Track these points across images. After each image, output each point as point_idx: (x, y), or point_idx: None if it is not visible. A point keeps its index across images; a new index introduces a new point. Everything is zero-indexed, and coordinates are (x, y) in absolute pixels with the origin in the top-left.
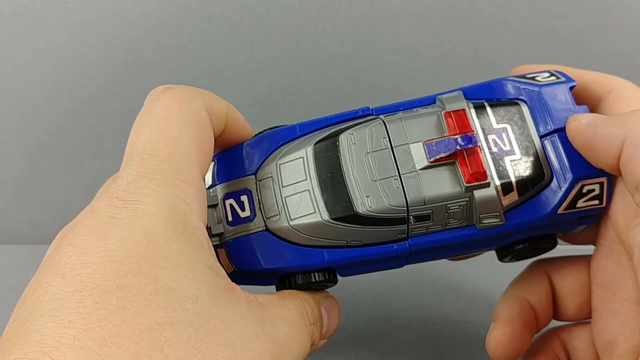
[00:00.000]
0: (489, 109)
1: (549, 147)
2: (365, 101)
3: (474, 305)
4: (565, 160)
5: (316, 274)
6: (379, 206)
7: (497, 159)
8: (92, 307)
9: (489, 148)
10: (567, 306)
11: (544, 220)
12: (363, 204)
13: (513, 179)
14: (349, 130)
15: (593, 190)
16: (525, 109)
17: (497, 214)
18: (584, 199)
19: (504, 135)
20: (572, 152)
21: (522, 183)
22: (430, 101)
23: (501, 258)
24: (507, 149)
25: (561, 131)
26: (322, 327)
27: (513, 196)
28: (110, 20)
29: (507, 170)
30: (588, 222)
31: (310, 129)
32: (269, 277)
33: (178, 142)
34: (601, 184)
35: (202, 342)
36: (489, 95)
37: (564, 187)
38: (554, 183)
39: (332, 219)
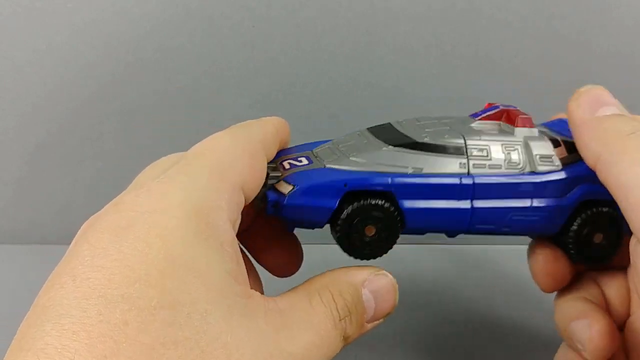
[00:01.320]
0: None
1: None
2: (365, 101)
3: (474, 305)
4: None
5: (377, 200)
6: (436, 136)
7: (542, 130)
8: (95, 319)
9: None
10: (616, 311)
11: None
12: (422, 137)
13: (559, 137)
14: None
15: None
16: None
17: (552, 157)
18: None
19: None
20: None
21: (568, 142)
22: None
23: (574, 250)
24: (544, 130)
25: None
26: (361, 316)
27: (562, 151)
28: (110, 20)
29: (550, 134)
30: None
31: None
32: (330, 193)
33: (227, 150)
34: None
35: None
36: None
37: None
38: None
39: (392, 146)
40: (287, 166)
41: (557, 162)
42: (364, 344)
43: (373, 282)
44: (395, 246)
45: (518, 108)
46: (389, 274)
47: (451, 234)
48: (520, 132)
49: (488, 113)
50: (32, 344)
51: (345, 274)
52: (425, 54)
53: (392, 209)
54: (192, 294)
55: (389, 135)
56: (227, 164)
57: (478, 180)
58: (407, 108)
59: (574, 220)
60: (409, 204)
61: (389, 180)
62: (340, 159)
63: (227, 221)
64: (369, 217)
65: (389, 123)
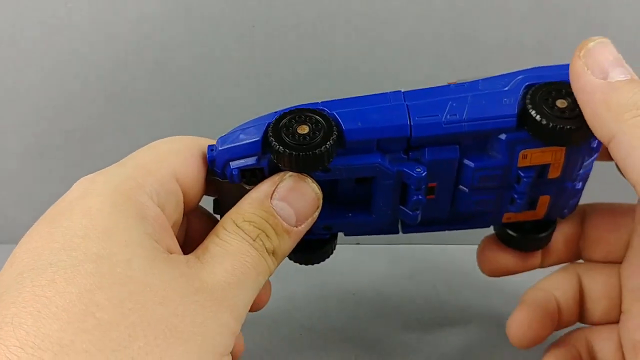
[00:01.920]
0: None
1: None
2: None
3: (474, 305)
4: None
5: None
6: None
7: None
8: (29, 287)
9: None
10: (595, 309)
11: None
12: None
13: None
14: None
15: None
16: None
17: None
18: None
19: None
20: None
21: None
22: None
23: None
24: None
25: None
26: (278, 227)
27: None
28: (110, 20)
29: None
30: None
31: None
32: (255, 131)
33: (159, 147)
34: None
35: (137, 301)
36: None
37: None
38: None
39: None
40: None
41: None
42: (364, 343)
43: (279, 190)
44: (394, 246)
45: None
46: (300, 175)
47: (398, 142)
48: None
49: None
50: None
51: (247, 196)
52: (425, 54)
53: (324, 113)
54: (112, 249)
55: None
56: (156, 159)
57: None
58: None
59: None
60: (340, 110)
61: (319, 104)
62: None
63: (149, 200)
64: (302, 119)
65: None
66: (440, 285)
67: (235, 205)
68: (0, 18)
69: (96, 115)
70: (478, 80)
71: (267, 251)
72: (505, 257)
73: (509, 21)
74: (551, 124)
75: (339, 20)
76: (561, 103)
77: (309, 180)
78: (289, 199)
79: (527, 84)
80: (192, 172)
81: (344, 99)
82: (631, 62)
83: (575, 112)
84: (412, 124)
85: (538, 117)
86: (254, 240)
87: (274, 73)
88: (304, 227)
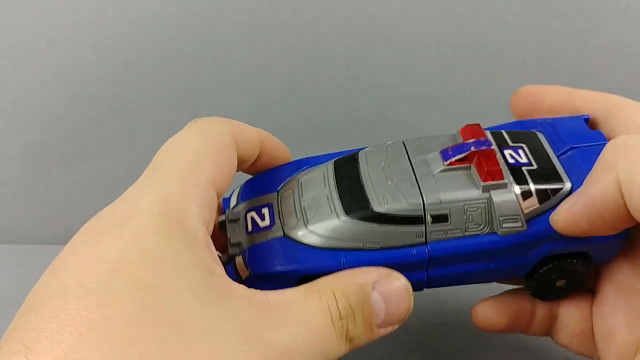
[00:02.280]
0: (505, 133)
1: (566, 161)
2: (365, 101)
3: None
4: (586, 170)
5: None
6: (395, 203)
7: (514, 169)
8: (73, 304)
9: (505, 159)
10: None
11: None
12: (379, 202)
13: (532, 185)
14: (368, 149)
15: None
16: (541, 136)
17: (518, 217)
18: None
19: (520, 151)
20: (592, 162)
21: (541, 190)
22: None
23: (536, 292)
24: (524, 161)
25: (577, 148)
26: (368, 317)
27: (533, 202)
28: (110, 20)
29: (525, 177)
30: (619, 239)
31: (335, 156)
32: (284, 281)
33: (194, 150)
34: None
35: (180, 340)
36: (507, 128)
37: None
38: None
39: (348, 217)
40: (249, 224)
41: (522, 222)
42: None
43: (384, 285)
44: None
45: (492, 146)
46: (402, 277)
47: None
48: (487, 186)
49: (459, 156)
50: (15, 333)
51: (353, 274)
52: (425, 54)
53: None
54: (164, 279)
55: (350, 186)
56: (194, 163)
57: (434, 252)
58: (407, 108)
59: (538, 269)
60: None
61: (342, 261)
62: (299, 225)
63: (199, 221)
64: None
65: (356, 156)
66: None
67: (335, 275)
68: (0, 18)
69: (96, 116)
70: (506, 246)
71: (346, 335)
72: (498, 320)
73: (509, 23)
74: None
75: (339, 20)
76: (560, 282)
77: (410, 291)
78: (387, 298)
79: (546, 256)
80: (227, 174)
81: (367, 259)
82: (632, 62)
83: (566, 288)
84: (426, 287)
85: (533, 292)
86: (340, 319)
87: (274, 73)
88: (383, 332)
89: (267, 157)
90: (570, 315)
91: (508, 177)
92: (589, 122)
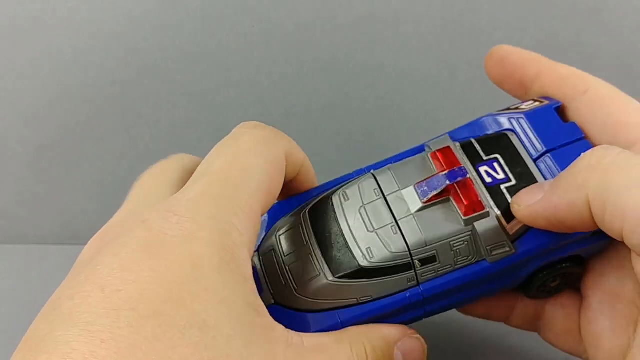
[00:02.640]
0: (476, 144)
1: (544, 168)
2: (365, 101)
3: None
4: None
5: None
6: (381, 255)
7: (493, 189)
8: (126, 330)
9: (482, 179)
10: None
11: (558, 241)
12: (364, 255)
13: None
14: (340, 189)
15: None
16: (514, 138)
17: (504, 242)
18: None
19: (495, 164)
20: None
21: None
22: (419, 150)
23: (529, 294)
24: (502, 177)
25: (553, 150)
26: None
27: (517, 222)
28: (111, 21)
29: (505, 198)
30: (604, 238)
31: (306, 198)
32: None
33: (251, 174)
34: None
35: None
36: (475, 134)
37: None
38: None
39: (337, 277)
40: None
41: (509, 245)
42: None
43: (406, 343)
44: None
45: (464, 171)
46: (421, 338)
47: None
48: (469, 220)
49: (435, 192)
50: (54, 347)
51: (380, 329)
52: (425, 54)
53: None
54: (218, 319)
55: (332, 241)
56: (253, 192)
57: (428, 292)
58: (407, 108)
59: (532, 280)
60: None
61: (339, 321)
62: (288, 291)
63: (248, 255)
64: None
65: (330, 202)
66: None
67: (364, 327)
68: (0, 18)
69: (96, 115)
70: (497, 271)
71: None
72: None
73: (509, 20)
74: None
75: (339, 20)
76: (554, 283)
77: (426, 351)
78: (406, 356)
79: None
80: (274, 199)
81: (362, 313)
82: (631, 62)
83: (561, 286)
84: (424, 313)
85: (527, 294)
86: None
87: (274, 73)
88: None
89: (299, 183)
90: (556, 314)
91: (488, 203)
92: (561, 108)
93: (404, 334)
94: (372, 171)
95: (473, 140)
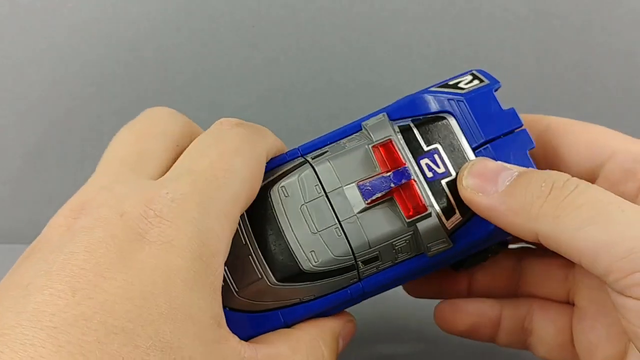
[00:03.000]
0: (416, 131)
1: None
2: (365, 101)
3: None
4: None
5: None
6: (324, 260)
7: (434, 184)
8: (94, 346)
9: (424, 174)
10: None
11: (494, 238)
12: (308, 259)
13: (453, 201)
14: (279, 182)
15: None
16: (453, 122)
17: (444, 239)
18: None
19: (436, 156)
20: (509, 155)
21: (463, 203)
22: (356, 128)
23: (457, 270)
24: (442, 171)
25: (493, 141)
26: None
27: (456, 217)
28: (110, 20)
29: (445, 193)
30: None
31: None
32: None
33: (235, 176)
34: None
35: None
36: (414, 113)
37: None
38: None
39: (279, 281)
40: None
41: (447, 241)
42: (364, 343)
43: (345, 329)
44: None
45: (407, 171)
46: (354, 319)
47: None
48: (412, 221)
49: (379, 194)
50: (22, 347)
51: (328, 325)
52: (425, 54)
53: None
54: (181, 340)
55: (273, 243)
56: (236, 195)
57: (369, 287)
58: None
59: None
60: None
61: (282, 320)
62: (226, 291)
63: (222, 262)
64: None
65: (269, 197)
66: None
67: (314, 326)
68: (0, 18)
69: (96, 115)
70: (436, 262)
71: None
72: (457, 323)
73: (508, 22)
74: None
75: (339, 20)
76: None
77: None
78: (344, 340)
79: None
80: (251, 201)
81: (305, 312)
82: (631, 61)
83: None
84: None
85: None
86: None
87: (274, 73)
88: None
89: None
90: (545, 329)
91: (429, 200)
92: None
93: (345, 322)
94: (310, 160)
95: (412, 125)
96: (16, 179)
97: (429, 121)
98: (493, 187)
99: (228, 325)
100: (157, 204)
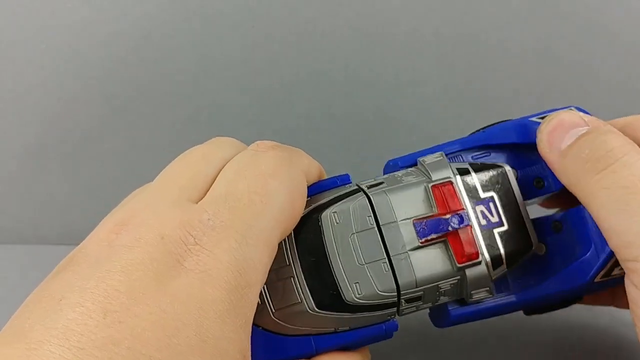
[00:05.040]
0: (474, 175)
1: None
2: (365, 101)
3: None
4: (594, 230)
5: None
6: (368, 293)
7: (486, 233)
8: None
9: (478, 221)
10: None
11: (579, 290)
12: (352, 291)
13: (502, 251)
14: (331, 207)
15: None
16: (509, 172)
17: (488, 288)
18: (619, 267)
19: (491, 205)
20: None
21: (511, 255)
22: (410, 161)
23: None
24: (495, 221)
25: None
26: None
27: (502, 268)
28: (110, 20)
29: (496, 243)
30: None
31: None
32: None
33: (274, 201)
34: None
35: None
36: (516, 140)
37: (602, 256)
38: (593, 250)
39: (318, 308)
40: None
41: (491, 290)
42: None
43: None
44: None
45: (467, 223)
46: (369, 353)
47: None
48: (462, 267)
49: (434, 235)
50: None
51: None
52: (425, 54)
53: None
54: None
55: (317, 268)
56: (276, 221)
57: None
58: (407, 108)
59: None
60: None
61: (314, 347)
62: (264, 312)
63: (258, 293)
64: None
65: (319, 223)
66: None
67: (344, 354)
68: (0, 18)
69: (96, 115)
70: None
71: None
72: None
73: (509, 21)
74: None
75: (339, 20)
76: None
77: None
78: None
79: None
80: (293, 227)
81: (338, 343)
82: (631, 62)
83: None
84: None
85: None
86: None
87: (274, 73)
88: None
89: None
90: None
91: (480, 248)
92: None
93: (362, 355)
94: (366, 190)
95: (470, 169)
96: (16, 179)
97: (486, 167)
98: (559, 144)
99: (259, 345)
100: (196, 230)
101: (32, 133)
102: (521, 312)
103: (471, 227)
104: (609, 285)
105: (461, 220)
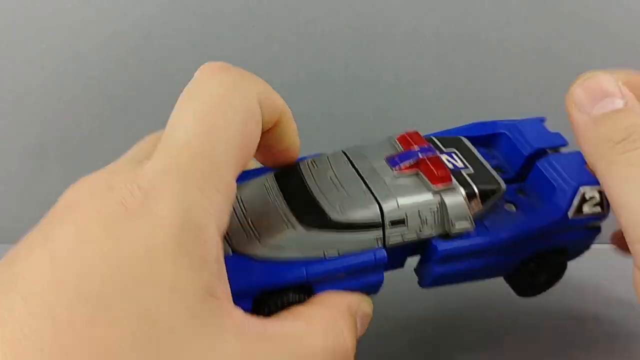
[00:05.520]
0: (436, 140)
1: (541, 166)
2: (365, 101)
3: (474, 305)
4: (563, 172)
5: (291, 294)
6: (353, 211)
7: (455, 172)
8: (65, 308)
9: (445, 165)
10: None
11: (557, 226)
12: (336, 211)
13: (475, 188)
14: (309, 159)
15: (593, 197)
16: (466, 141)
17: (468, 220)
18: (588, 204)
19: (454, 155)
20: (567, 167)
21: (483, 191)
22: None
23: (518, 289)
24: (461, 165)
25: (543, 151)
26: (354, 347)
27: (477, 203)
28: (110, 20)
29: (467, 180)
30: (593, 235)
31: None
32: (244, 298)
33: (219, 136)
34: (600, 192)
35: None
36: (476, 133)
37: (569, 193)
38: (559, 190)
39: (304, 228)
40: None
41: (471, 221)
42: (363, 343)
43: (361, 310)
44: None
45: (433, 148)
46: (370, 301)
47: None
48: (438, 190)
49: (406, 162)
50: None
51: (347, 303)
52: (425, 54)
53: (305, 297)
54: (162, 310)
55: (299, 197)
56: (220, 164)
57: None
58: (407, 108)
59: (520, 272)
60: (322, 288)
61: (304, 272)
62: (250, 240)
63: (215, 234)
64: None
65: (298, 167)
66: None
67: (329, 304)
68: (0, 18)
69: (96, 115)
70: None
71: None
72: None
73: (509, 21)
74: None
75: (339, 20)
76: (541, 277)
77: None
78: (361, 322)
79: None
80: (250, 155)
81: (329, 269)
82: (631, 62)
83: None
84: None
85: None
86: (335, 353)
87: (274, 73)
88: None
89: (276, 138)
90: None
91: (454, 182)
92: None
93: (361, 299)
94: (342, 149)
95: (433, 137)
96: (16, 179)
97: (447, 137)
98: (590, 107)
99: (249, 274)
100: (142, 180)
101: (32, 133)
102: (518, 310)
103: (439, 157)
104: (583, 222)
105: (429, 150)
